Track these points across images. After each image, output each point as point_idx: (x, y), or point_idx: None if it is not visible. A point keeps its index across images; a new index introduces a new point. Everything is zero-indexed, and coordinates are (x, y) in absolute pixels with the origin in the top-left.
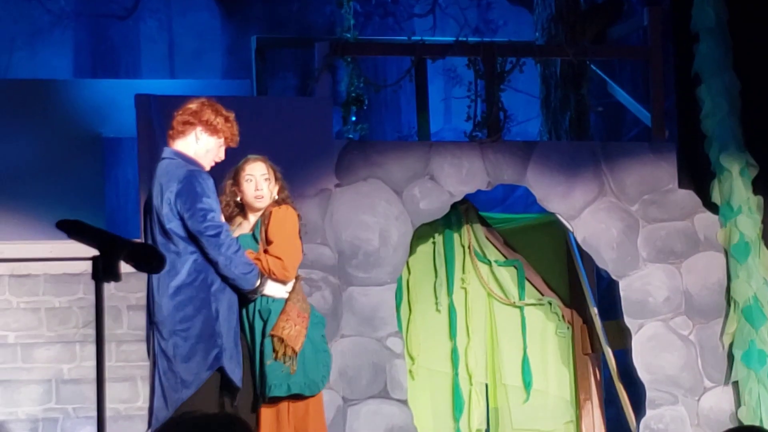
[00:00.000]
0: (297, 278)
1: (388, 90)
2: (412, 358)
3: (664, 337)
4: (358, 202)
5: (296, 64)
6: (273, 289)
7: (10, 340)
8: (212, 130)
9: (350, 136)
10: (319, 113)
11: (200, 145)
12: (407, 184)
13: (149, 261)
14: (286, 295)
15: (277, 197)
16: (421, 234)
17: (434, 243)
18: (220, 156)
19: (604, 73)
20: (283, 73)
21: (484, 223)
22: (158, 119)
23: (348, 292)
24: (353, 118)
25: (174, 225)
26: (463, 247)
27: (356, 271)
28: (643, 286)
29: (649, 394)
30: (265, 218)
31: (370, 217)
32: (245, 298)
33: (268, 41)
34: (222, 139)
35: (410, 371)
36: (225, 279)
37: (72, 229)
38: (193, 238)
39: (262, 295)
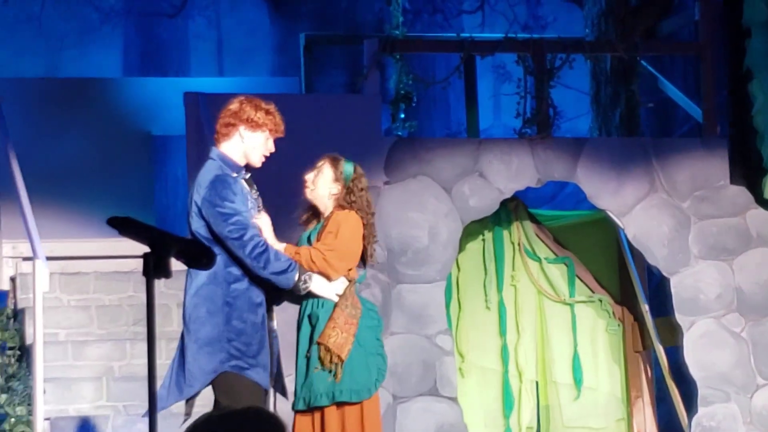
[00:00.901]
0: (350, 282)
1: (437, 87)
2: (461, 356)
3: (715, 335)
4: (407, 200)
5: (345, 62)
6: (320, 287)
7: (61, 338)
8: (255, 125)
9: (399, 133)
10: (368, 110)
11: (247, 143)
12: (456, 181)
13: (199, 258)
14: (335, 298)
15: (339, 198)
16: (471, 231)
17: (484, 240)
18: (270, 148)
19: (654, 69)
20: (331, 71)
21: (533, 220)
22: (207, 117)
23: (397, 289)
24: (402, 116)
25: (200, 228)
26: (513, 244)
27: (405, 269)
28: (694, 283)
29: (701, 392)
30: (326, 220)
31: (419, 214)
32: (296, 298)
33: (316, 38)
34: (267, 132)
35: (460, 369)
36: (261, 279)
37: (123, 226)
38: (218, 241)
39: (311, 295)
